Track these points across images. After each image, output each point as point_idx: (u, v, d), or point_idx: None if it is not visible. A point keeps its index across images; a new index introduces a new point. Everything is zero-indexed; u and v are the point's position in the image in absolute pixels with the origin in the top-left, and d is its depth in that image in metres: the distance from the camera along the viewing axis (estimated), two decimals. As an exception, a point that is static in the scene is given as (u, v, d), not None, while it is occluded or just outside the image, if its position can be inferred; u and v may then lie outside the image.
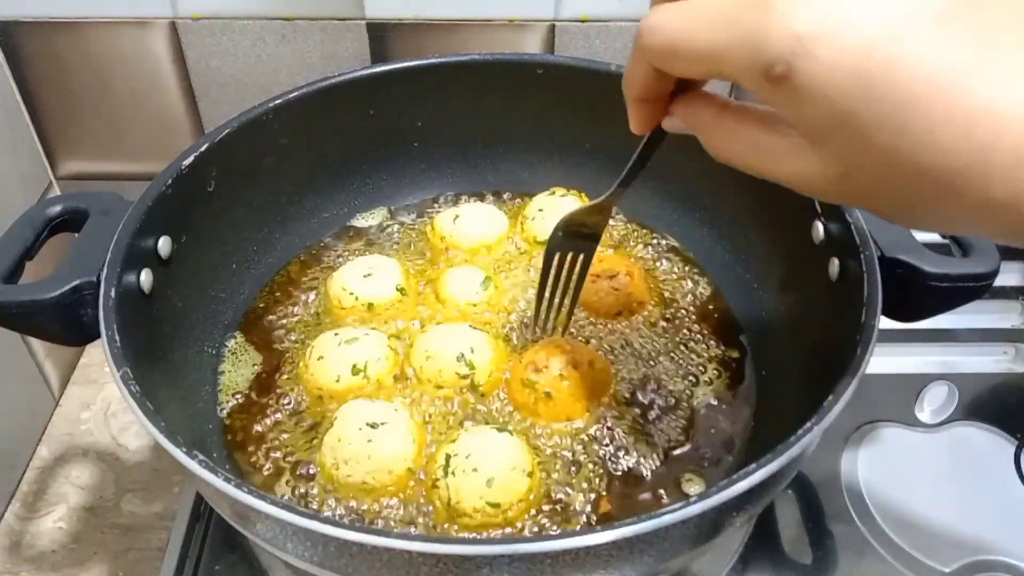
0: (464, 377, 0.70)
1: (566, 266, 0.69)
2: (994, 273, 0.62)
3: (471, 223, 0.85)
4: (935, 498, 0.79)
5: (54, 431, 0.97)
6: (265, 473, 0.68)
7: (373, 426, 0.64)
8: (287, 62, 0.96)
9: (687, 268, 0.84)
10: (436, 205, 0.91)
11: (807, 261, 0.69)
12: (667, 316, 0.79)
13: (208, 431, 0.70)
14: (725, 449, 0.69)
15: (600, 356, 0.73)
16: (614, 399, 0.71)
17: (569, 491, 0.65)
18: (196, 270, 0.74)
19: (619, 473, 0.67)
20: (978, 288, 0.62)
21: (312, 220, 0.88)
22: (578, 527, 0.63)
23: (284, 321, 0.79)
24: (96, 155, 1.04)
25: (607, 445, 0.68)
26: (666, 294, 0.81)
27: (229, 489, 0.49)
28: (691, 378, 0.74)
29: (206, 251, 0.75)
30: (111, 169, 1.05)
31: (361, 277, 0.78)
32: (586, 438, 0.68)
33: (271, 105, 0.77)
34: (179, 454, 0.51)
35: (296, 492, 0.66)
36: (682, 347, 0.76)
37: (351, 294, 0.77)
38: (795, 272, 0.74)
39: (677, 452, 0.68)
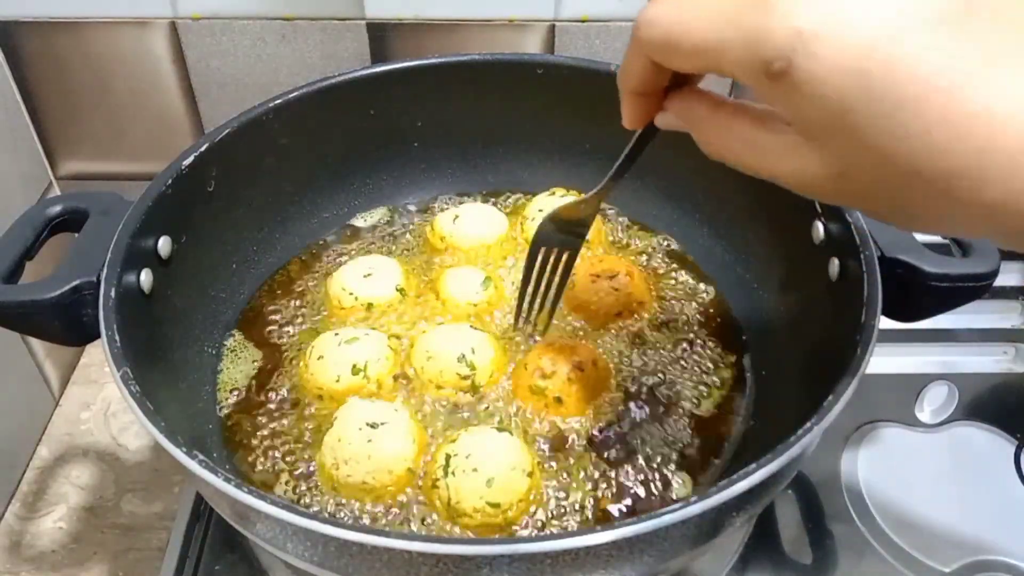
0: (465, 378, 0.70)
1: (551, 261, 0.69)
2: (994, 273, 0.62)
3: (471, 223, 0.85)
4: (935, 498, 0.79)
5: (54, 431, 0.97)
6: (265, 473, 0.68)
7: (373, 426, 0.64)
8: (287, 62, 0.96)
9: (687, 268, 0.84)
10: (436, 205, 0.91)
11: (807, 261, 0.69)
12: (667, 316, 0.79)
13: (208, 431, 0.70)
14: (725, 449, 0.69)
15: (600, 354, 0.74)
16: (614, 398, 0.71)
17: (569, 491, 0.65)
18: (196, 270, 0.74)
19: (619, 473, 0.67)
20: (978, 288, 0.62)
21: (312, 220, 0.88)
22: (578, 527, 0.63)
23: (284, 321, 0.79)
24: (96, 155, 1.04)
25: (607, 445, 0.68)
26: (666, 294, 0.81)
27: (229, 489, 0.49)
28: (691, 378, 0.74)
29: (206, 251, 0.75)
30: (111, 169, 1.05)
31: (361, 277, 0.78)
32: (586, 438, 0.68)
33: (271, 105, 0.77)
34: (179, 454, 0.51)
35: (296, 492, 0.66)
36: (682, 347, 0.76)
37: (351, 294, 0.77)
38: (795, 272, 0.74)
39: (677, 452, 0.68)
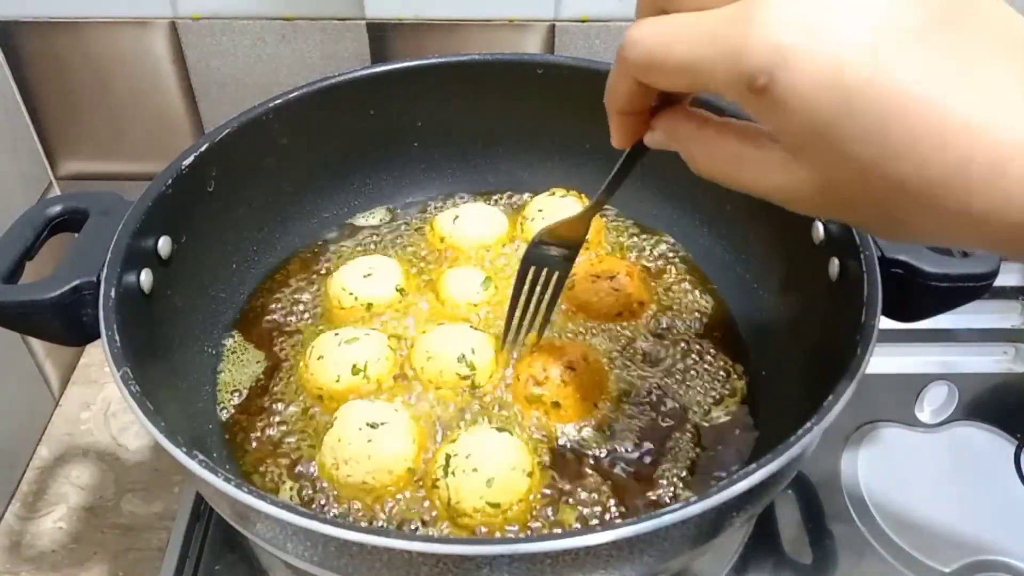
0: (465, 378, 0.70)
1: (541, 280, 0.69)
2: (994, 273, 0.62)
3: (471, 223, 0.85)
4: (935, 498, 0.79)
5: (54, 431, 0.97)
6: (265, 473, 0.68)
7: (373, 426, 0.64)
8: (287, 62, 0.96)
9: (687, 268, 0.84)
10: (436, 205, 0.91)
11: (807, 261, 0.69)
12: (667, 316, 0.79)
13: (208, 431, 0.70)
14: (724, 449, 0.69)
15: (591, 348, 0.74)
16: (612, 399, 0.71)
17: (569, 491, 0.65)
18: (196, 270, 0.74)
19: (618, 472, 0.67)
20: (978, 288, 0.62)
21: (312, 220, 0.88)
22: (578, 527, 0.63)
23: (284, 321, 0.79)
24: (96, 155, 1.04)
25: (606, 444, 0.68)
26: (666, 294, 0.81)
27: (229, 489, 0.49)
28: (691, 378, 0.74)
29: (206, 251, 0.75)
30: (111, 169, 1.05)
31: (361, 277, 0.78)
32: (585, 438, 0.68)
33: (271, 105, 0.77)
34: (179, 454, 0.51)
35: (296, 492, 0.66)
36: (682, 347, 0.76)
37: (351, 294, 0.77)
38: (795, 272, 0.74)
39: (676, 452, 0.68)
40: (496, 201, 0.91)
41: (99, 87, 0.98)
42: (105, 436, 0.96)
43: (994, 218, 0.36)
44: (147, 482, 0.91)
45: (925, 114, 0.35)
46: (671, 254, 0.86)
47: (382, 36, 0.94)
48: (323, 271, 0.84)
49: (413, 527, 0.63)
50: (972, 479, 0.81)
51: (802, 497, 0.79)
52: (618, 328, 0.77)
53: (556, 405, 0.69)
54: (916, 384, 0.90)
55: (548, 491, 0.65)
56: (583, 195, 0.86)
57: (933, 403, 0.88)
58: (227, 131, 0.74)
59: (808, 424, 0.51)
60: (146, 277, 0.65)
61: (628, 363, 0.74)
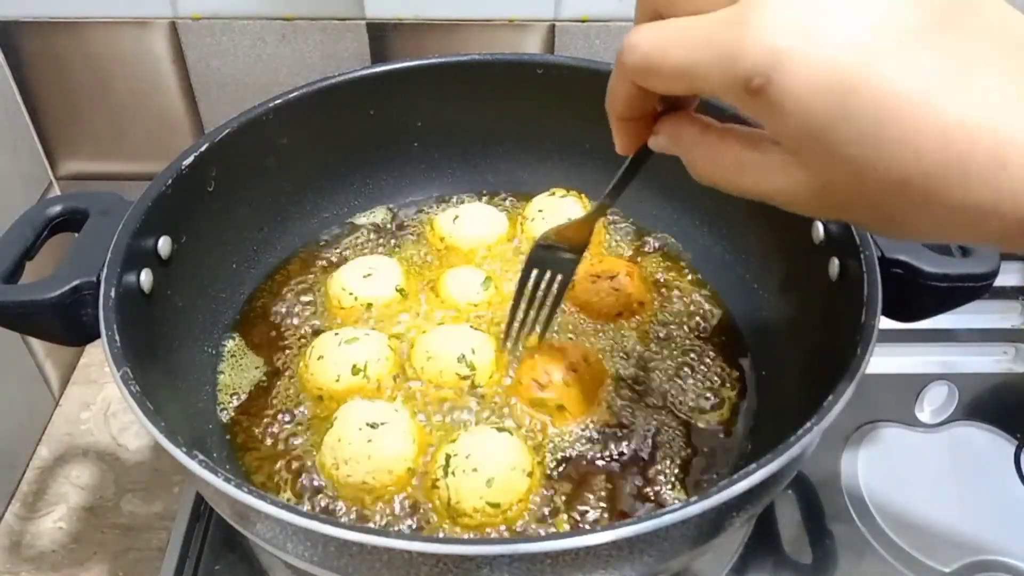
0: (465, 378, 0.70)
1: (544, 283, 0.69)
2: (994, 273, 0.62)
3: (471, 223, 0.85)
4: (935, 498, 0.79)
5: (54, 431, 0.97)
6: (265, 473, 0.68)
7: (373, 426, 0.64)
8: (287, 62, 0.96)
9: (687, 269, 0.84)
10: (436, 205, 0.91)
11: (807, 261, 0.69)
12: (667, 316, 0.79)
13: (208, 431, 0.70)
14: (724, 449, 0.69)
15: (589, 349, 0.74)
16: (612, 399, 0.71)
17: (569, 490, 0.65)
18: (196, 270, 0.74)
19: (617, 472, 0.67)
20: (978, 288, 0.62)
21: (312, 220, 0.88)
22: (578, 527, 0.63)
23: (284, 321, 0.79)
24: (96, 155, 1.04)
25: (606, 444, 0.68)
26: (666, 294, 0.81)
27: (229, 489, 0.49)
28: (691, 378, 0.74)
29: (206, 251, 0.75)
30: (111, 169, 1.05)
31: (361, 277, 0.78)
32: (584, 438, 0.68)
33: (271, 105, 0.77)
34: (179, 454, 0.51)
35: (296, 492, 0.66)
36: (682, 347, 0.76)
37: (351, 294, 0.77)
38: (795, 272, 0.74)
39: (676, 451, 0.68)
40: (496, 201, 0.91)
41: (99, 87, 0.98)
42: (105, 436, 0.96)
43: (994, 210, 0.36)
44: (147, 482, 0.91)
45: (922, 115, 0.35)
46: (671, 254, 0.86)
47: (382, 36, 0.94)
48: (323, 271, 0.84)
49: (413, 527, 0.63)
50: (972, 479, 0.81)
51: (802, 497, 0.79)
52: (618, 328, 0.77)
53: (560, 408, 0.69)
54: (916, 384, 0.90)
55: (548, 491, 0.65)
56: (583, 195, 0.86)
57: (933, 403, 0.88)
58: (227, 131, 0.74)
59: (808, 424, 0.51)
60: (146, 277, 0.65)
61: (627, 363, 0.74)
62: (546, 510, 0.64)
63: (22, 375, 0.94)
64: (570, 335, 0.76)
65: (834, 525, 0.77)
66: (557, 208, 0.84)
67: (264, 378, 0.74)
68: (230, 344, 0.77)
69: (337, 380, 0.70)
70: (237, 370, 0.75)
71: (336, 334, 0.72)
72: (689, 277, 0.83)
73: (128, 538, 0.87)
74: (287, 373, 0.75)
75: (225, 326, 0.79)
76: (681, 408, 0.72)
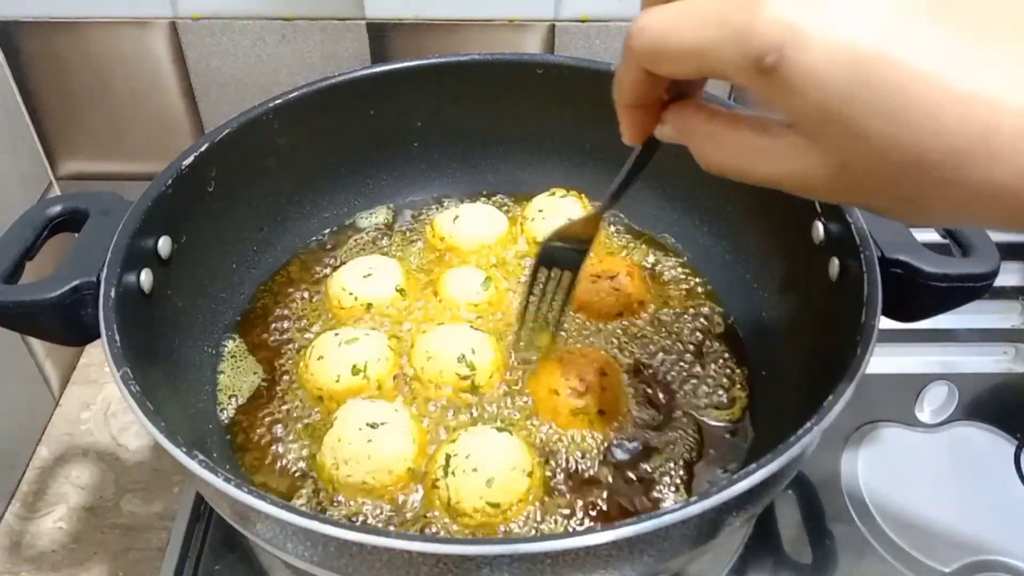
0: (465, 378, 0.70)
1: (553, 280, 0.69)
2: (994, 273, 0.62)
3: (471, 223, 0.85)
4: (935, 498, 0.79)
5: (54, 431, 0.97)
6: (265, 473, 0.68)
7: (373, 426, 0.64)
8: (287, 62, 0.96)
9: (687, 268, 0.84)
10: (436, 205, 0.91)
11: (807, 261, 0.69)
12: (667, 316, 0.79)
13: (208, 431, 0.70)
14: (724, 449, 0.69)
15: (604, 352, 0.74)
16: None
17: (569, 491, 0.65)
18: (196, 270, 0.74)
19: (617, 472, 0.67)
20: (978, 288, 0.62)
21: (312, 220, 0.88)
22: (578, 527, 0.63)
23: (284, 321, 0.79)
24: (96, 155, 1.04)
25: (605, 444, 0.68)
26: (666, 294, 0.81)
27: (229, 489, 0.49)
28: (691, 378, 0.74)
29: (206, 251, 0.75)
30: (111, 169, 1.05)
31: (361, 277, 0.78)
32: (584, 438, 0.68)
33: (271, 105, 0.77)
34: (179, 454, 0.51)
35: (296, 492, 0.66)
36: (682, 347, 0.76)
37: (351, 294, 0.77)
38: (795, 272, 0.74)
39: (676, 451, 0.68)
40: (496, 201, 0.91)
41: (99, 87, 0.98)
42: (105, 436, 0.96)
43: (1015, 190, 0.35)
44: (147, 482, 0.91)
45: (943, 88, 0.34)
46: (671, 254, 0.86)
47: (382, 36, 0.94)
48: (323, 271, 0.84)
49: (413, 527, 0.63)
50: (972, 479, 0.81)
51: (802, 497, 0.79)
52: (618, 328, 0.77)
53: (601, 413, 0.68)
54: (916, 384, 0.90)
55: (548, 492, 0.65)
56: (583, 195, 0.86)
57: (933, 403, 0.88)
58: (227, 131, 0.74)
59: (808, 424, 0.51)
60: (146, 277, 0.65)
61: (627, 361, 0.74)
62: (544, 509, 0.64)
63: (22, 375, 0.94)
64: (572, 336, 0.76)
65: (834, 525, 0.77)
66: (557, 208, 0.84)
67: (264, 378, 0.74)
68: (230, 344, 0.77)
69: (337, 380, 0.70)
70: (237, 370, 0.75)
71: (336, 334, 0.72)
72: (689, 277, 0.83)
73: (128, 538, 0.87)
74: (287, 373, 0.75)
75: (225, 326, 0.79)
76: (680, 408, 0.72)
